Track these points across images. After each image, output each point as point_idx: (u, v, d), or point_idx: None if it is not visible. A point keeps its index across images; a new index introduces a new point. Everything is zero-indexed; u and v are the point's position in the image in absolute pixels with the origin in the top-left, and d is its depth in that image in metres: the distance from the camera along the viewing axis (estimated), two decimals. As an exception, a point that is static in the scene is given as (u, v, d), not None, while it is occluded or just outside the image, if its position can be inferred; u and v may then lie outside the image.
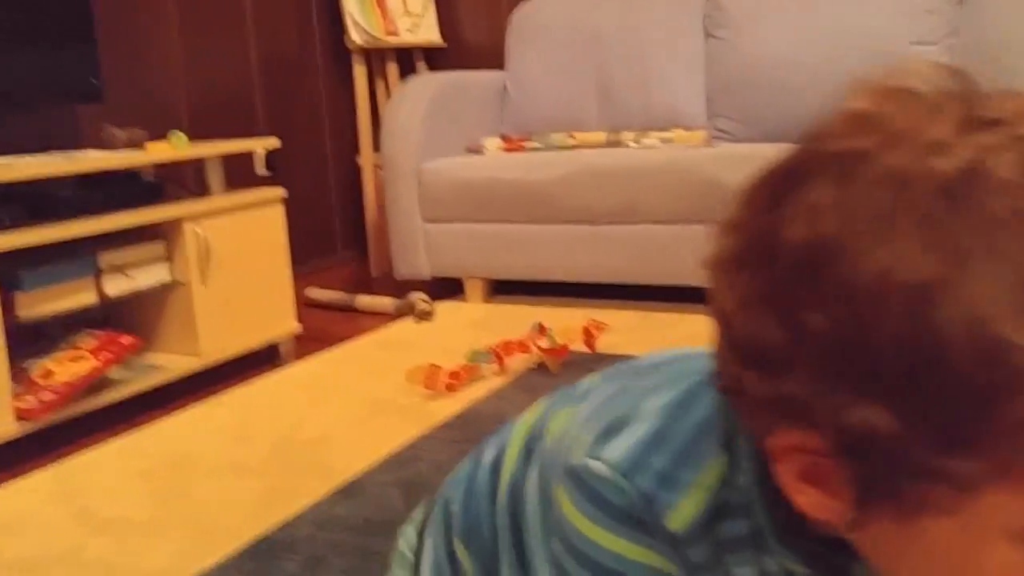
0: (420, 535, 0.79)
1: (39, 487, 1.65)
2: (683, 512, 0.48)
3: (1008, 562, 0.40)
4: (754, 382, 0.43)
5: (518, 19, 3.15)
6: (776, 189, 0.44)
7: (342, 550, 1.31)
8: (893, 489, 0.41)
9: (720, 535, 0.49)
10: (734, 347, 0.44)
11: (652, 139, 2.80)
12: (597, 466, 0.50)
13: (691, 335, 2.29)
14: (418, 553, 0.79)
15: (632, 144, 2.79)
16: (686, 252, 2.47)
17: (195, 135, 2.51)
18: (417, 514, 0.81)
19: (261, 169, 2.86)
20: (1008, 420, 0.37)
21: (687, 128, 2.83)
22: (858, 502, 0.43)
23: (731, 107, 2.81)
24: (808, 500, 0.44)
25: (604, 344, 2.22)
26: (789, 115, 2.67)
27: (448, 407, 1.87)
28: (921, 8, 2.59)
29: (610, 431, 0.51)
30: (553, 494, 0.54)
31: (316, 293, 2.91)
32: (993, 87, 0.42)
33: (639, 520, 0.49)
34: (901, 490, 0.41)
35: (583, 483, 0.51)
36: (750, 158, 2.40)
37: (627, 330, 2.36)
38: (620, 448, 0.50)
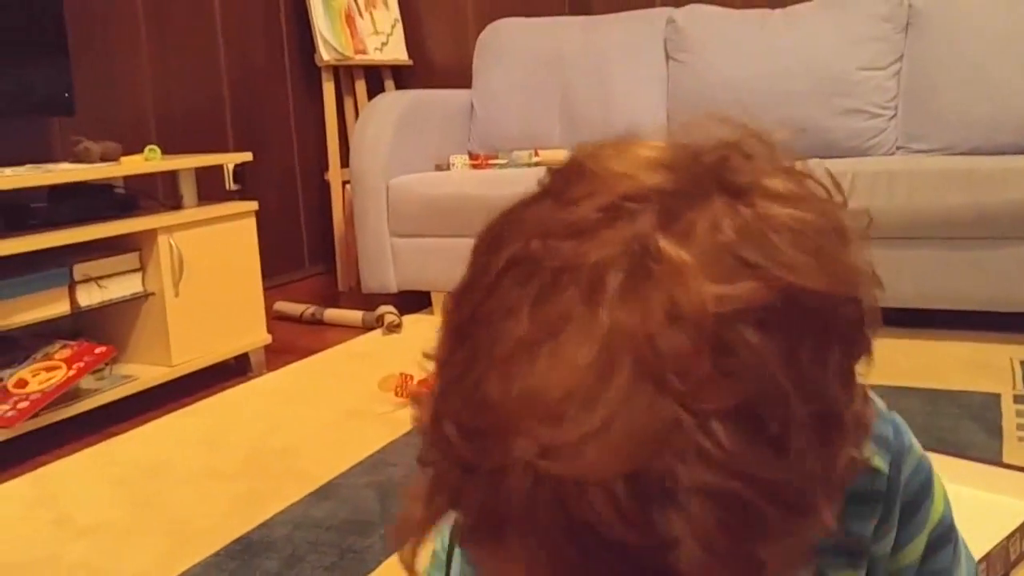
0: (452, 534, 0.80)
1: (16, 494, 1.67)
2: None
3: None
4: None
5: (484, 39, 3.23)
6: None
7: (321, 549, 1.36)
8: None
9: None
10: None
11: (614, 157, 2.89)
12: None
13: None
14: (450, 553, 0.81)
15: (595, 162, 2.88)
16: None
17: (164, 149, 2.55)
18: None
19: (230, 183, 2.91)
20: None
21: (648, 147, 2.92)
22: None
23: (690, 127, 2.91)
24: None
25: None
26: (745, 135, 2.78)
27: (418, 415, 1.92)
28: (868, 35, 2.72)
29: None
30: None
31: (284, 306, 2.95)
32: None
33: None
34: None
35: None
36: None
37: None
38: None
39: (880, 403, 0.58)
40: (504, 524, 0.39)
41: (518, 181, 2.79)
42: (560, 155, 2.96)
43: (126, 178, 2.32)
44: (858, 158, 2.62)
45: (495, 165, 2.94)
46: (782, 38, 2.80)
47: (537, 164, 2.89)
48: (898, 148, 2.72)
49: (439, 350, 0.44)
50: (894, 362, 2.13)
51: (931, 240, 2.28)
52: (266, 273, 2.45)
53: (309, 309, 2.91)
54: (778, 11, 2.88)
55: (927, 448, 0.61)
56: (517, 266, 0.42)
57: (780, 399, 0.38)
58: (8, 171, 2.01)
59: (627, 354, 0.37)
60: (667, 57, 2.97)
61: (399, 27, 3.44)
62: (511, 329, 0.40)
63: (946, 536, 0.65)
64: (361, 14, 3.31)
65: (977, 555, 1.12)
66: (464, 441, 0.40)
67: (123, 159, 2.24)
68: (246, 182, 2.89)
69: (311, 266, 3.34)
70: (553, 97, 3.04)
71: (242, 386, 2.27)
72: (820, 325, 0.40)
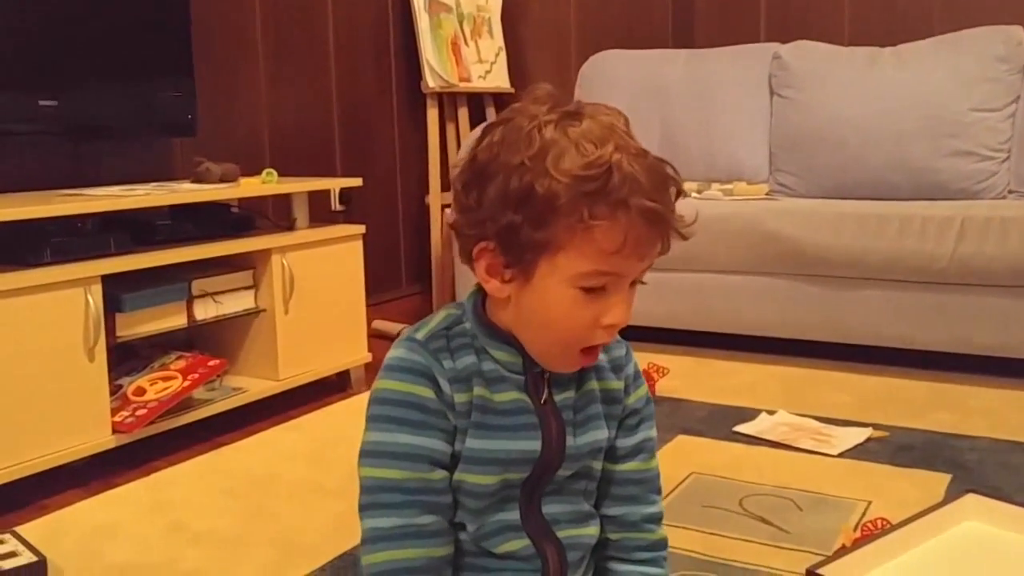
0: None
1: (132, 498, 1.76)
2: (424, 330, 0.94)
3: (568, 295, 0.86)
4: (463, 221, 0.90)
5: (587, 70, 3.27)
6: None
7: (422, 571, 1.40)
8: (522, 259, 0.86)
9: (452, 342, 0.93)
10: (458, 211, 0.91)
11: (714, 190, 2.89)
12: (390, 354, 0.95)
13: (747, 383, 2.36)
14: None
15: (694, 195, 2.88)
16: (744, 302, 2.54)
17: (277, 170, 2.65)
18: None
19: (335, 203, 3.00)
20: (562, 220, 0.83)
21: (749, 181, 2.91)
22: (509, 276, 0.88)
23: (792, 163, 2.89)
24: (491, 286, 0.90)
25: (664, 387, 2.30)
26: (847, 173, 2.75)
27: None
28: (982, 76, 2.66)
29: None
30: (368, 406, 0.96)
31: (382, 324, 3.02)
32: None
33: (412, 366, 0.92)
34: (524, 259, 0.86)
35: (385, 366, 0.94)
36: (808, 213, 2.48)
37: (685, 375, 2.43)
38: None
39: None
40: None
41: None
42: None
43: (242, 199, 2.42)
44: (968, 201, 2.56)
45: (594, 195, 2.96)
46: (891, 77, 2.76)
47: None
48: (1010, 192, 2.66)
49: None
50: (1004, 415, 2.07)
51: (1045, 289, 2.21)
52: (365, 291, 2.52)
53: (406, 329, 2.97)
54: (888, 49, 2.84)
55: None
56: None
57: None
58: (139, 190, 2.12)
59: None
60: (771, 93, 2.96)
61: (503, 56, 3.51)
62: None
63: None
64: (467, 42, 3.39)
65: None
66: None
67: (241, 180, 2.34)
68: (351, 203, 2.99)
69: (408, 286, 3.42)
70: (654, 129, 3.05)
71: (342, 402, 2.34)
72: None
